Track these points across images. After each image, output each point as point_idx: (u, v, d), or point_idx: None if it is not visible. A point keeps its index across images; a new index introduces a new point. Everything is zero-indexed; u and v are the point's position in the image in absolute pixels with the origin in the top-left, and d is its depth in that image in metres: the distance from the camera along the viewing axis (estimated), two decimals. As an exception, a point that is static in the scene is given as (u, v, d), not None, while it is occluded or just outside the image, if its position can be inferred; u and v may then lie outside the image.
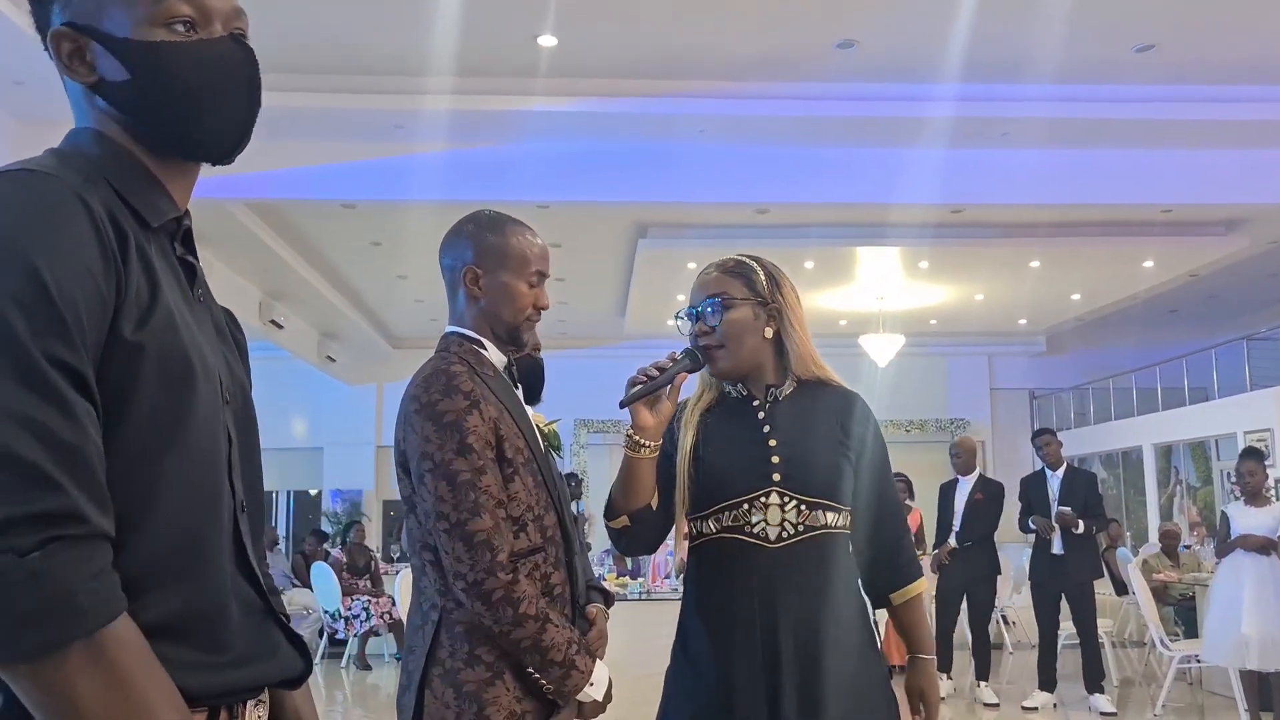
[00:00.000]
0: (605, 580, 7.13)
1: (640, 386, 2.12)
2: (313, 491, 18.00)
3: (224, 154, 1.30)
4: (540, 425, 2.19)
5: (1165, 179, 9.14)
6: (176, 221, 1.26)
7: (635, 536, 2.23)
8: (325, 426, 16.89)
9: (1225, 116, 8.29)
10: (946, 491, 8.15)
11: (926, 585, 2.36)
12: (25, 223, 1.04)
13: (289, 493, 18.19)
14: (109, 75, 1.20)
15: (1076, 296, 13.86)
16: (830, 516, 2.18)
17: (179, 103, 1.23)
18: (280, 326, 12.70)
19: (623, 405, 2.14)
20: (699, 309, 2.25)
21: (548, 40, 7.17)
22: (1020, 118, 8.19)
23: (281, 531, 17.75)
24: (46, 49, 1.24)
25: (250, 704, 1.24)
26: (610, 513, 2.22)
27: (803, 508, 2.15)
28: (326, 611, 10.53)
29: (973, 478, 8.09)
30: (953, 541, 7.89)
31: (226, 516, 1.23)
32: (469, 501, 1.88)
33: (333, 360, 15.43)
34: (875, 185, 8.99)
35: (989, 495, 7.99)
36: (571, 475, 11.49)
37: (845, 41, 7.29)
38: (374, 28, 6.99)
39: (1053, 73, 7.71)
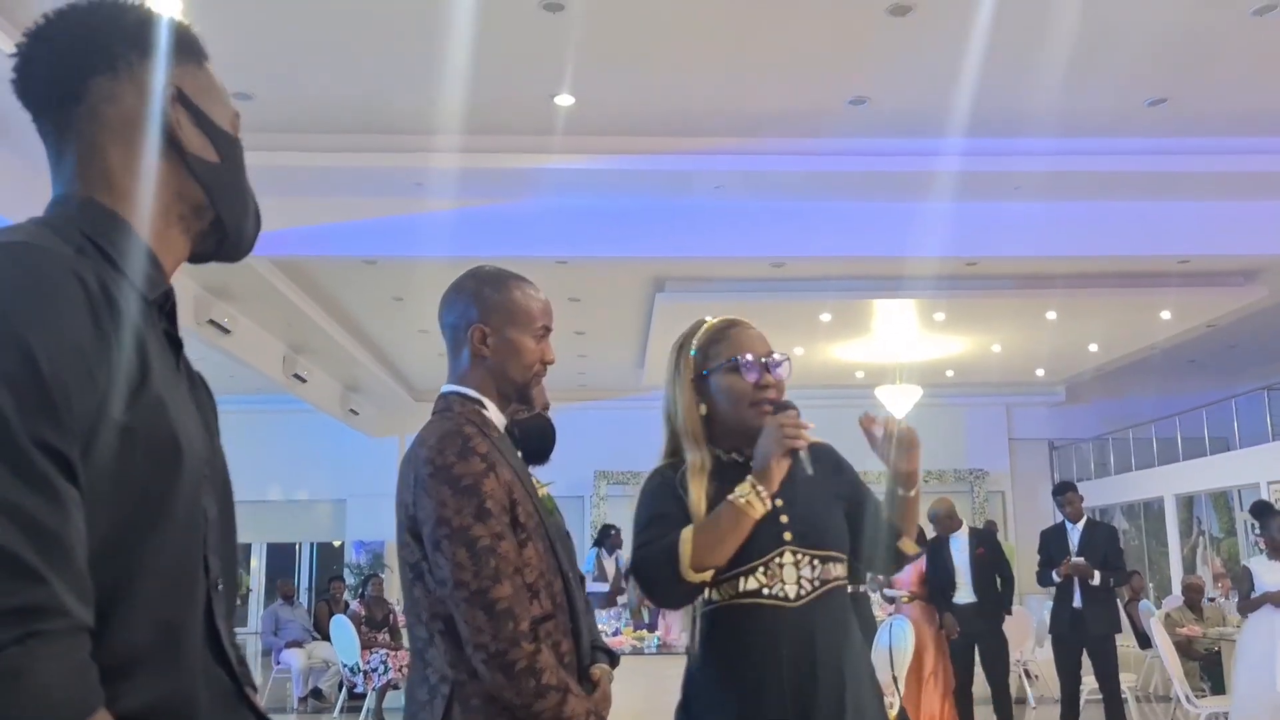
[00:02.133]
0: (622, 634, 7.06)
1: (791, 422, 2.10)
2: (336, 543, 17.98)
3: (238, 256, 1.37)
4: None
5: (1181, 230, 9.12)
6: (165, 295, 1.24)
7: (699, 591, 2.15)
8: (348, 478, 16.90)
9: (1239, 168, 8.27)
10: (938, 550, 7.81)
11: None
12: (18, 299, 1.00)
13: (312, 544, 18.17)
14: (199, 152, 1.27)
15: (1094, 347, 13.79)
16: (839, 569, 2.18)
17: (244, 198, 1.33)
18: (303, 380, 12.77)
19: (789, 449, 2.11)
20: (772, 361, 2.22)
21: (564, 99, 7.25)
22: (1033, 171, 8.20)
23: (304, 584, 17.71)
24: (59, 94, 1.21)
25: None
26: (700, 566, 2.06)
27: (816, 562, 2.13)
28: (345, 665, 10.45)
29: (963, 533, 7.88)
30: (972, 597, 7.72)
31: (200, 597, 1.17)
32: (489, 568, 1.79)
33: (355, 413, 15.50)
34: (890, 238, 8.99)
35: (990, 546, 7.86)
36: (611, 527, 11.48)
37: (857, 98, 7.34)
38: (394, 87, 7.09)
39: (1064, 126, 7.73)
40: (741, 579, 2.11)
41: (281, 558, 16.97)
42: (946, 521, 7.91)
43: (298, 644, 11.28)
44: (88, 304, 1.05)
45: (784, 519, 2.14)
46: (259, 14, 6.24)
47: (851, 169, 8.23)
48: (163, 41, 1.25)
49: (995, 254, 9.50)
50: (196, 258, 1.34)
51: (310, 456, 16.28)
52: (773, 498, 2.12)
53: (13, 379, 0.97)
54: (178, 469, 1.12)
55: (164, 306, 1.24)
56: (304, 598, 16.79)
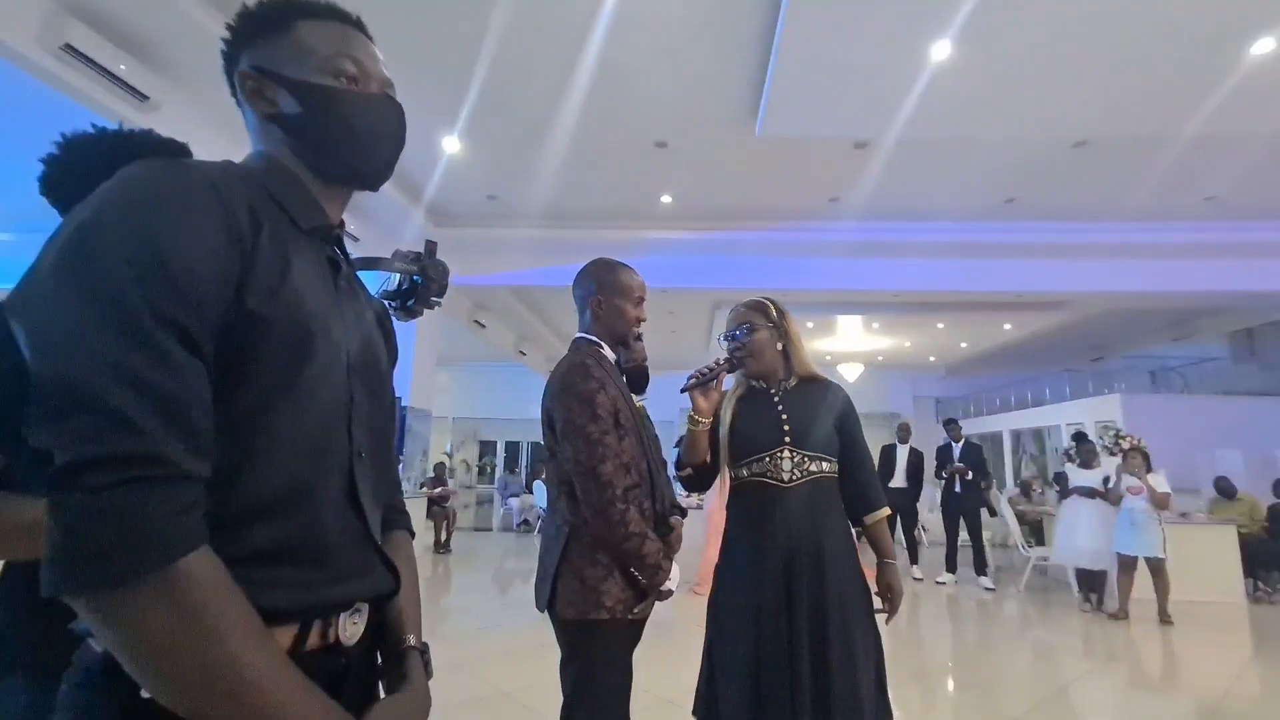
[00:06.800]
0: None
1: (695, 379, 1.84)
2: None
3: (370, 182, 0.93)
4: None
5: (1012, 275, 7.89)
6: (328, 229, 0.91)
7: (696, 480, 1.93)
8: (536, 396, 16.00)
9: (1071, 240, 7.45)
10: (888, 452, 7.31)
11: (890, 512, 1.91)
12: (154, 201, 0.72)
13: (528, 442, 16.33)
14: (285, 109, 0.87)
15: (964, 344, 13.03)
16: (824, 465, 1.83)
17: (341, 135, 0.89)
18: (483, 326, 10.76)
19: (683, 391, 1.85)
20: (735, 333, 1.96)
21: (666, 198, 6.92)
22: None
23: (525, 466, 16.62)
24: (231, 85, 0.90)
25: (345, 615, 0.83)
26: (678, 467, 1.93)
27: (804, 459, 1.82)
28: (540, 507, 10.43)
29: (907, 447, 7.32)
30: (904, 483, 7.05)
31: (338, 463, 0.83)
32: (598, 453, 1.58)
33: (524, 354, 13.63)
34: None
35: (915, 459, 7.30)
36: None
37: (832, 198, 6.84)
38: (572, 188, 6.81)
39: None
40: (755, 464, 1.84)
41: (515, 450, 16.87)
42: (905, 434, 7.34)
43: (515, 495, 11.43)
44: (222, 210, 0.75)
45: (785, 427, 1.85)
46: (502, 138, 6.05)
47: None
48: (239, 32, 0.89)
49: (908, 289, 8.77)
50: (348, 184, 0.93)
51: (516, 386, 15.40)
52: (781, 411, 1.87)
53: (138, 262, 0.68)
54: (308, 353, 0.78)
55: (327, 237, 0.90)
56: (523, 471, 16.56)
